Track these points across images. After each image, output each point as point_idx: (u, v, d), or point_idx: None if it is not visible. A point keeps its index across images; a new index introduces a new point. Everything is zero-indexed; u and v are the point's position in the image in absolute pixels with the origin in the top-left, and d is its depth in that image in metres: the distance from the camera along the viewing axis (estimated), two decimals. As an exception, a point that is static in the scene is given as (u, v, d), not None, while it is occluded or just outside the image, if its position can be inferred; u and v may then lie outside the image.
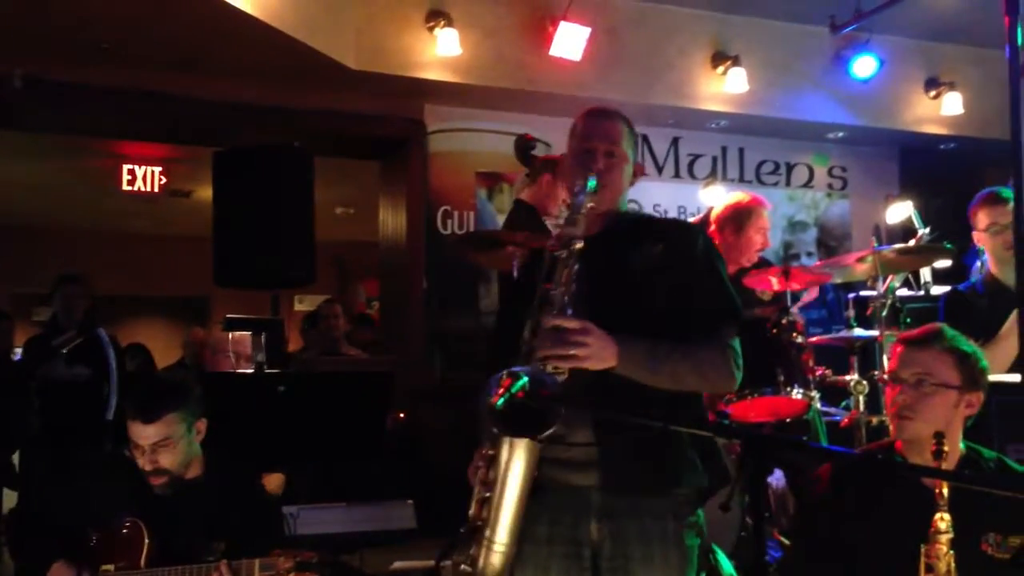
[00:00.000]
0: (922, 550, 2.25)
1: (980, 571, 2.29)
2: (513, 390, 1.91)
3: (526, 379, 1.94)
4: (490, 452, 2.08)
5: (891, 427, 2.54)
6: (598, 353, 2.07)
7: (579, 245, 2.14)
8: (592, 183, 2.20)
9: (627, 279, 2.26)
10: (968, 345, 2.51)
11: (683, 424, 2.10)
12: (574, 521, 2.21)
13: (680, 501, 2.26)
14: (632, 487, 2.21)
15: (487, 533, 2.06)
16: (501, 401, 1.90)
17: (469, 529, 2.09)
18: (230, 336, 4.68)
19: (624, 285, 2.26)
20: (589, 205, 2.19)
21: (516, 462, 2.03)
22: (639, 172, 2.43)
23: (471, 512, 2.10)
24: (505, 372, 1.96)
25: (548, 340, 2.03)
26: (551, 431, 1.95)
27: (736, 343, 2.29)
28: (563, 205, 2.21)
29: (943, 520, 2.22)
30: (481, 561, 2.07)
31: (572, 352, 2.04)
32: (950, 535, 2.23)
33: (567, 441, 2.15)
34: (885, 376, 3.62)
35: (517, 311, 2.20)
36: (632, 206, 6.47)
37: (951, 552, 2.23)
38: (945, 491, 2.23)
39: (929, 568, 2.25)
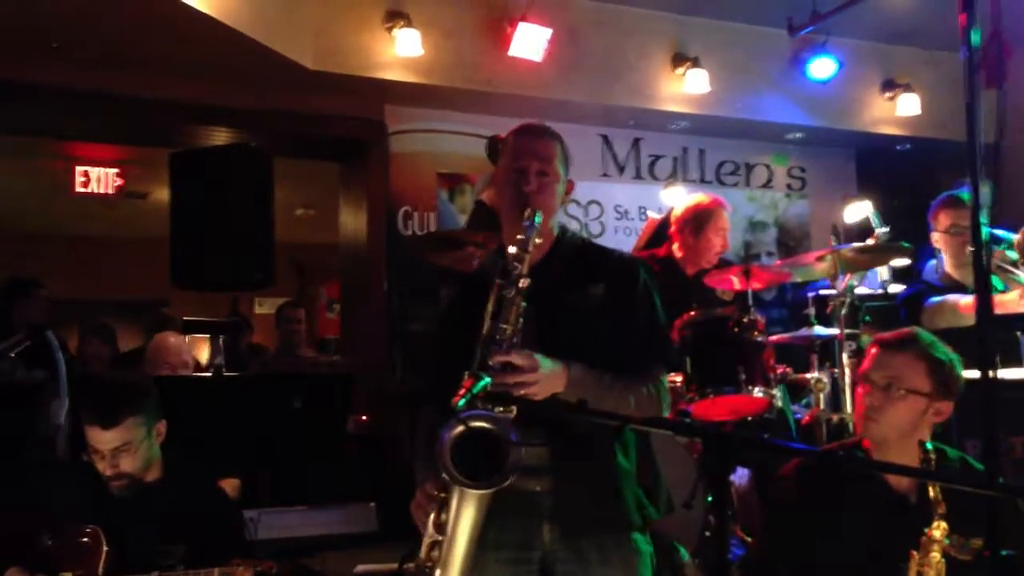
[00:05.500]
0: (914, 557, 2.27)
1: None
2: (475, 391, 1.90)
3: (488, 380, 1.93)
4: (441, 495, 2.07)
5: (857, 425, 2.55)
6: (546, 388, 2.10)
7: (525, 283, 2.14)
8: (538, 218, 2.19)
9: (571, 318, 2.28)
10: (945, 353, 2.51)
11: (643, 423, 2.10)
12: (525, 525, 2.20)
13: (632, 504, 2.28)
14: (585, 489, 2.21)
15: (438, 573, 2.07)
16: (462, 402, 1.89)
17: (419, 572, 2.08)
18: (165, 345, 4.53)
19: (568, 323, 2.27)
20: (537, 240, 2.18)
21: (468, 509, 2.03)
22: (570, 189, 2.43)
23: (420, 555, 2.09)
24: (467, 373, 1.95)
25: (497, 379, 2.02)
26: (507, 482, 1.95)
27: (664, 379, 2.36)
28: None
29: (939, 528, 2.24)
30: None
31: (522, 392, 2.05)
32: (945, 544, 2.24)
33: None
34: (847, 373, 3.66)
35: (464, 324, 2.20)
36: (593, 207, 6.57)
37: (943, 560, 2.25)
38: (940, 497, 2.23)
39: (919, 575, 2.26)
